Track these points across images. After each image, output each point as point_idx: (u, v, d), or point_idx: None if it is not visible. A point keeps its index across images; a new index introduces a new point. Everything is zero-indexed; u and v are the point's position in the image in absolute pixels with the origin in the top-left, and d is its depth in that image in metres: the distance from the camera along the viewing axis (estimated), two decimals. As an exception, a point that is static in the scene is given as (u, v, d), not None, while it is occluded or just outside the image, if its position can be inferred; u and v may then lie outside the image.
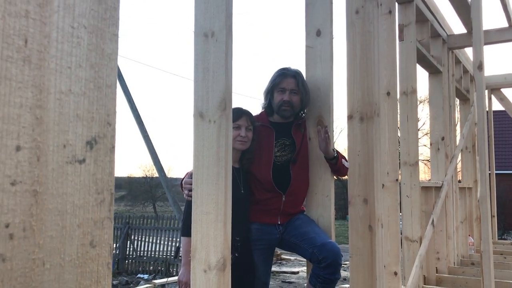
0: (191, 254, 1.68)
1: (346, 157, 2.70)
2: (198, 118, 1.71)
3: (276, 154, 2.63)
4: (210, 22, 1.71)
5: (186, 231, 2.21)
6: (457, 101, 6.14)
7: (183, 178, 2.44)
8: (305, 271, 2.61)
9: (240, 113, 2.48)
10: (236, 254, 2.39)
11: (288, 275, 10.60)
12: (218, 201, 1.64)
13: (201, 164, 1.68)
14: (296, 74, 2.66)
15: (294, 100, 2.65)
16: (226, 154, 1.66)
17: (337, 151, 2.60)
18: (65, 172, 0.56)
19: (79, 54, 0.57)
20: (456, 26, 5.09)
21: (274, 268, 11.06)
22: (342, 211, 25.48)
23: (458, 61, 5.46)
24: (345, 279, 8.31)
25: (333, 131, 2.65)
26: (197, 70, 1.73)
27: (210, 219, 1.65)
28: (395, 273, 3.17)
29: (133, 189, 37.45)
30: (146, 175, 36.41)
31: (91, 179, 0.58)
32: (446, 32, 4.81)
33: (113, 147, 0.60)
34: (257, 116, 2.73)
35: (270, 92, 2.72)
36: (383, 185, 2.91)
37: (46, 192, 0.56)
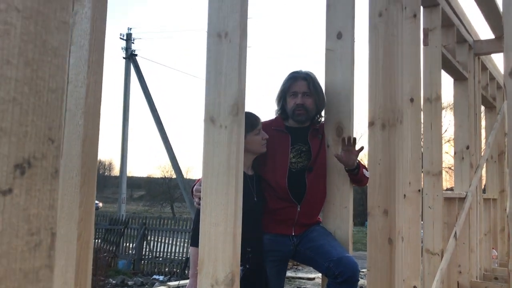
0: (198, 268, 1.58)
1: (366, 165, 2.58)
2: (209, 123, 1.61)
3: (291, 160, 2.51)
4: (223, 22, 1.62)
5: (195, 241, 2.12)
6: (483, 109, 5.95)
7: (194, 185, 2.34)
8: (321, 277, 2.49)
9: (257, 118, 2.41)
10: (247, 266, 2.28)
11: (303, 281, 10.44)
12: (228, 212, 1.54)
13: (211, 172, 1.58)
14: (306, 76, 2.56)
15: (307, 103, 2.54)
16: (237, 162, 1.56)
17: (358, 161, 2.45)
18: (-21, 208, 0.41)
19: (7, 47, 0.42)
20: (483, 31, 4.91)
21: (289, 274, 10.91)
22: (360, 217, 25.27)
23: (484, 68, 5.27)
24: (361, 287, 8.11)
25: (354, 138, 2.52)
26: (209, 73, 1.63)
27: (219, 231, 1.55)
28: (415, 288, 3.03)
29: (151, 189, 37.72)
30: (165, 176, 36.66)
31: (21, 215, 0.42)
32: (472, 38, 4.64)
33: (57, 171, 0.43)
34: (272, 121, 2.63)
35: (282, 98, 2.62)
36: (404, 195, 2.78)
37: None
